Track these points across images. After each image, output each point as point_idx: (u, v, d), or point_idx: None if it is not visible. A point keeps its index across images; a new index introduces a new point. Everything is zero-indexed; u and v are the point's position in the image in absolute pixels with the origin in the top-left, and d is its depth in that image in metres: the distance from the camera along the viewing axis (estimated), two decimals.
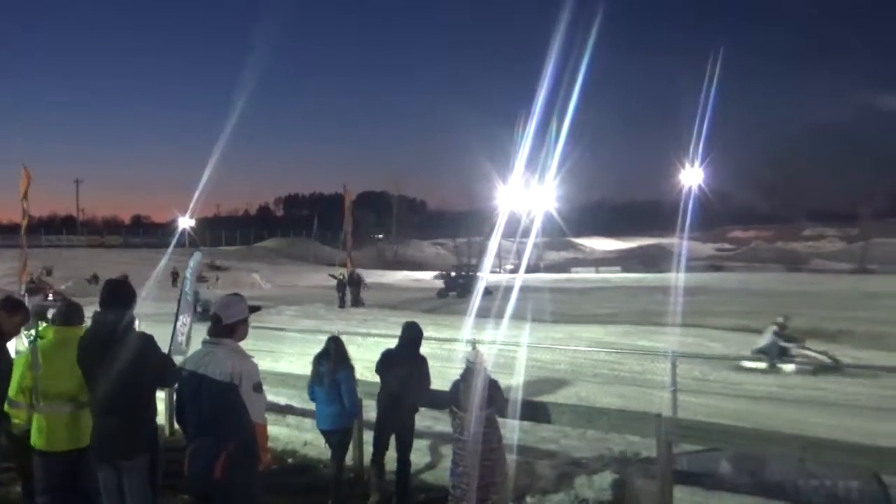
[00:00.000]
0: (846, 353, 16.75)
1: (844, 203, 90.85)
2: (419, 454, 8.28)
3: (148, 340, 4.64)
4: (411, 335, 7.14)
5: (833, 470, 6.25)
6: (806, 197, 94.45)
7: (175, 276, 44.08)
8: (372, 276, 50.92)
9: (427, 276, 60.96)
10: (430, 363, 7.18)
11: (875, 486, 6.12)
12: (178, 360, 5.53)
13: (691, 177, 71.39)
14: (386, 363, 7.05)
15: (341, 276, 33.98)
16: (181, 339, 9.73)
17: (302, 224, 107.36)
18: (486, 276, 36.32)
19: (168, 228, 76.87)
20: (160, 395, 8.08)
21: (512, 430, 7.93)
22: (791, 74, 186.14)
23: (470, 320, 19.58)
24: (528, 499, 6.90)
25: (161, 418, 8.75)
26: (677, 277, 41.17)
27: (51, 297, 28.91)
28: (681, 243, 72.66)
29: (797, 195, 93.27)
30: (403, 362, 6.96)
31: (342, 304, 32.03)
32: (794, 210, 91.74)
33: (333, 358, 7.01)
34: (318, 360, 7.13)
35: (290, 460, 8.52)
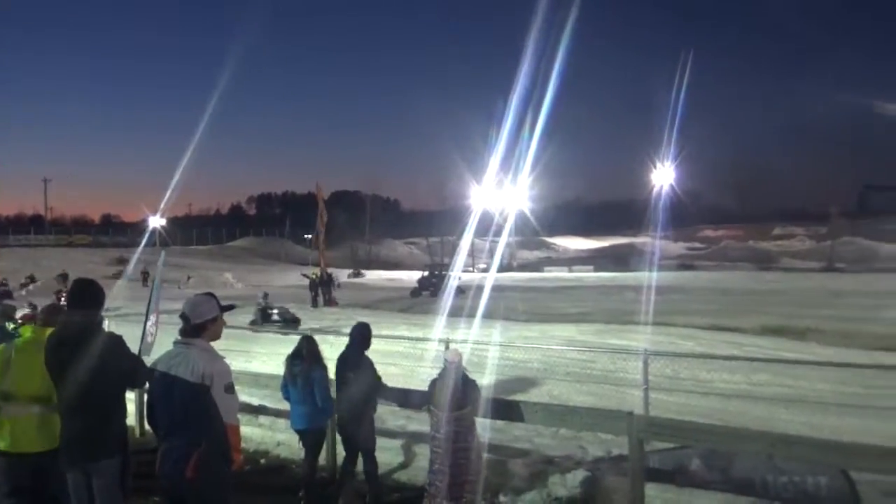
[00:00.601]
0: (814, 351, 16.99)
1: (813, 203, 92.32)
2: (393, 453, 8.29)
3: (116, 341, 4.59)
4: (359, 337, 7.04)
5: (801, 466, 6.32)
6: (775, 197, 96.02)
7: (145, 276, 43.69)
8: (345, 276, 50.83)
9: (401, 275, 60.90)
10: (403, 363, 7.21)
11: (842, 481, 6.20)
12: (147, 360, 5.49)
13: (663, 177, 72.05)
14: (339, 367, 6.98)
15: (314, 276, 33.84)
16: (150, 339, 9.63)
17: (274, 223, 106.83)
18: (457, 276, 36.28)
19: (139, 228, 76.16)
20: (130, 396, 7.98)
21: (485, 428, 7.96)
22: (761, 76, 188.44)
23: (441, 319, 19.58)
24: (502, 497, 6.91)
25: (131, 419, 8.68)
26: (649, 276, 41.50)
27: (63, 301, 27.97)
28: (652, 242, 73.34)
29: (767, 195, 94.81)
30: (353, 366, 6.89)
31: (315, 304, 31.91)
32: (764, 210, 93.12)
33: (306, 357, 6.99)
34: (291, 359, 7.11)
35: (262, 461, 8.47)
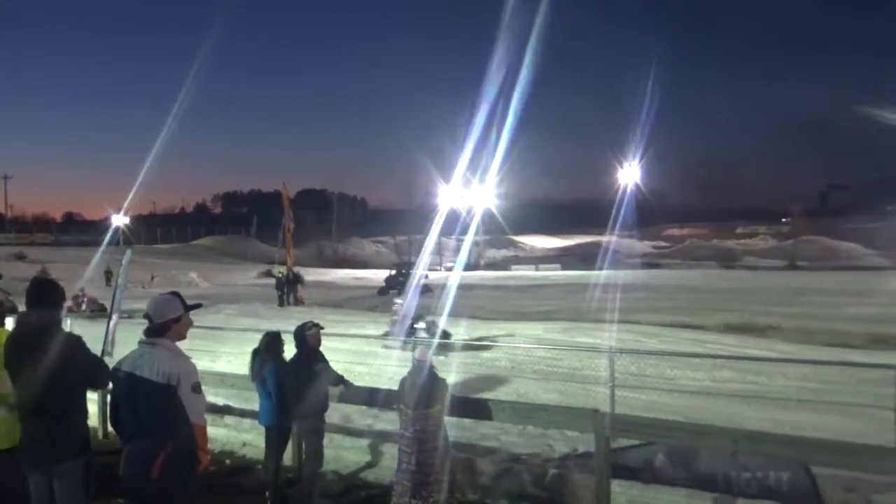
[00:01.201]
0: (776, 348, 17.25)
1: (776, 202, 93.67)
2: (360, 452, 8.28)
3: (76, 341, 4.54)
4: (297, 337, 7.00)
5: (764, 461, 6.42)
6: (739, 196, 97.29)
7: (108, 275, 43.13)
8: (312, 275, 50.54)
9: (369, 273, 60.74)
10: (371, 361, 7.19)
11: (804, 476, 6.30)
12: (111, 360, 5.42)
13: (629, 176, 72.71)
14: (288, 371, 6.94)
15: (280, 275, 33.60)
16: (111, 338, 9.50)
17: (240, 222, 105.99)
18: (422, 274, 36.24)
19: (101, 226, 75.11)
20: (92, 397, 7.89)
21: (452, 426, 7.97)
22: (726, 77, 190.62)
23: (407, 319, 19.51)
24: (469, 495, 6.94)
25: (94, 420, 8.57)
26: (615, 275, 41.76)
27: (84, 305, 27.02)
28: (618, 241, 73.92)
29: (731, 195, 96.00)
30: (300, 367, 6.86)
31: (282, 303, 31.71)
32: (728, 209, 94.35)
33: (261, 353, 7.01)
34: (252, 355, 7.19)
35: (228, 461, 8.42)
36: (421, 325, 18.64)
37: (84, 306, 26.86)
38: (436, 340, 14.15)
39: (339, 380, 7.26)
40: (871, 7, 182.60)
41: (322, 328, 7.17)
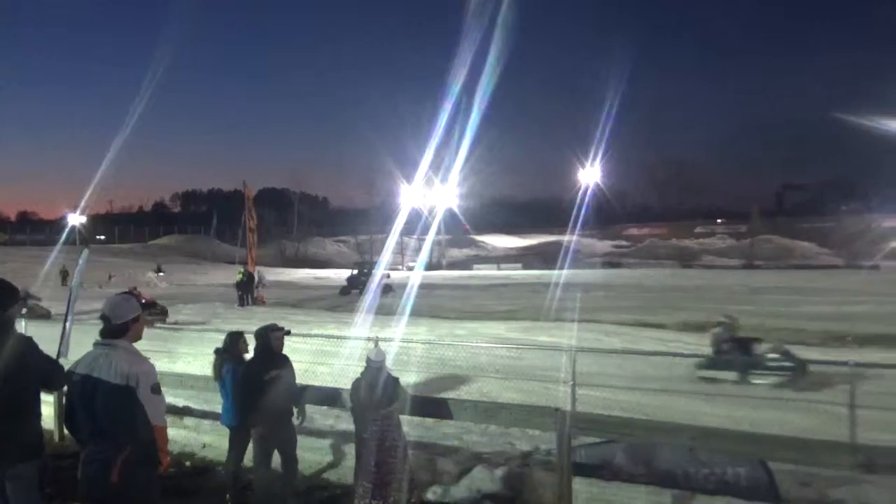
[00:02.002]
0: None
1: (734, 202, 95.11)
2: (321, 453, 8.24)
3: (27, 343, 4.46)
4: (260, 338, 6.78)
5: (722, 457, 6.51)
6: (698, 196, 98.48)
7: (65, 276, 42.42)
8: (273, 274, 50.18)
9: (330, 273, 60.48)
10: (331, 361, 7.14)
11: (761, 471, 6.40)
12: (67, 362, 5.33)
13: (589, 176, 73.48)
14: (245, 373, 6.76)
15: (240, 275, 33.30)
16: (68, 340, 9.36)
17: (200, 221, 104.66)
18: (384, 274, 36.19)
19: (57, 225, 73.82)
20: (48, 399, 7.75)
21: (414, 426, 7.96)
22: (685, 78, 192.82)
23: (361, 317, 19.51)
24: (431, 494, 6.94)
25: (50, 423, 8.42)
26: (576, 274, 42.08)
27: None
28: (579, 240, 74.52)
29: (689, 194, 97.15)
30: (258, 369, 6.64)
31: (242, 303, 31.41)
32: (687, 209, 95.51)
33: (222, 353, 6.96)
34: (215, 355, 7.14)
35: (188, 463, 8.32)
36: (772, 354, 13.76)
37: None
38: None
39: (294, 398, 7.02)
40: (827, 9, 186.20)
41: (289, 333, 6.97)
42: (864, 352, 15.66)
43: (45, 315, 21.69)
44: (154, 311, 23.41)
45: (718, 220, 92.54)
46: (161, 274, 48.71)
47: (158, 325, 21.30)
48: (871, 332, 18.65)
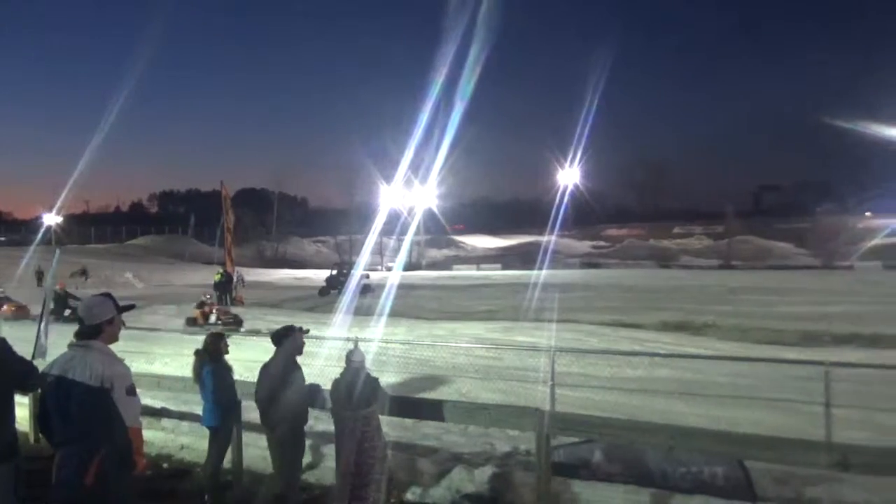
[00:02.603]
0: (712, 346, 17.62)
1: (711, 203, 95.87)
2: None
3: (1, 344, 4.39)
4: (284, 339, 6.58)
5: (699, 456, 6.54)
6: (676, 197, 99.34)
7: (40, 276, 41.99)
8: (252, 275, 49.94)
9: (309, 273, 60.30)
10: (310, 361, 7.09)
11: (738, 470, 6.45)
12: (42, 363, 5.27)
13: (568, 177, 73.83)
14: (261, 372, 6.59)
15: (219, 275, 33.08)
16: (44, 340, 9.25)
17: (178, 221, 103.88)
18: (363, 274, 36.13)
19: (33, 225, 73.10)
20: (23, 401, 7.65)
21: (393, 427, 7.95)
22: (663, 80, 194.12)
23: (339, 317, 19.45)
24: (410, 495, 6.92)
25: (25, 425, 8.32)
26: (555, 274, 42.19)
27: (214, 318, 22.35)
28: (558, 241, 74.79)
29: (668, 195, 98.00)
30: (274, 370, 6.46)
31: (221, 304, 31.22)
32: (665, 209, 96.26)
33: (202, 354, 6.91)
34: (195, 356, 7.08)
35: (165, 465, 8.26)
36: None
37: (214, 317, 22.56)
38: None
39: (311, 400, 6.90)
40: (805, 12, 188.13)
41: (307, 332, 6.81)
42: (840, 351, 15.82)
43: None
44: (227, 320, 22.24)
45: (696, 224, 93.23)
46: (85, 278, 45.94)
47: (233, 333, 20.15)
48: (847, 332, 18.87)
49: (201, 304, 23.18)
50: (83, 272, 45.20)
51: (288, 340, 6.50)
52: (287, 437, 6.43)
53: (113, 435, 3.98)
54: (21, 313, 23.82)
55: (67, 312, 21.22)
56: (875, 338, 18.02)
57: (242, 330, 21.23)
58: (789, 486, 6.52)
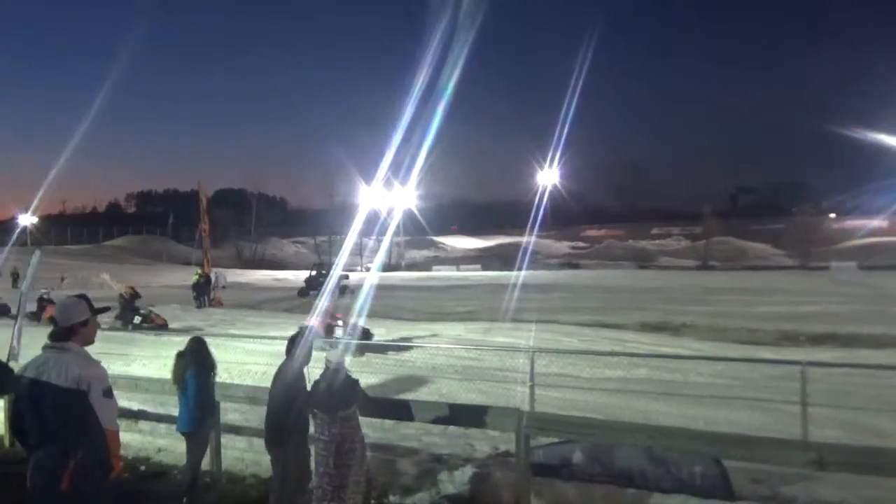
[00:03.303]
0: (690, 346, 17.73)
1: (689, 204, 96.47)
2: None
3: None
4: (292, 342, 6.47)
5: (678, 456, 6.58)
6: (654, 198, 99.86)
7: (15, 278, 41.53)
8: (230, 276, 49.59)
9: (288, 274, 60.04)
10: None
11: (716, 469, 6.49)
12: (17, 366, 5.20)
13: (547, 178, 74.04)
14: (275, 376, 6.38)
15: (197, 276, 32.84)
16: (16, 343, 9.17)
17: (156, 221, 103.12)
18: (342, 275, 35.99)
19: (7, 226, 72.26)
20: None
21: (373, 428, 7.93)
22: (641, 81, 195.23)
23: (317, 319, 19.33)
24: (391, 497, 6.91)
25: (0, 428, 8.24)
26: (534, 275, 42.29)
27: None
28: (537, 241, 74.97)
29: (646, 196, 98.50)
30: (287, 377, 6.26)
31: (199, 305, 31.01)
32: (643, 210, 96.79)
33: (185, 357, 6.85)
34: (176, 358, 7.01)
35: (143, 467, 8.19)
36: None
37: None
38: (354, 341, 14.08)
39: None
40: (783, 15, 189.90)
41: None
42: (816, 351, 15.98)
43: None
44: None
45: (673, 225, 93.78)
46: (64, 281, 45.20)
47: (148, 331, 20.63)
48: (822, 332, 19.06)
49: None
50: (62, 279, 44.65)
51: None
52: (301, 446, 6.29)
53: (89, 437, 3.95)
54: None
55: (138, 320, 21.77)
56: (851, 337, 18.21)
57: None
58: (766, 484, 6.57)
